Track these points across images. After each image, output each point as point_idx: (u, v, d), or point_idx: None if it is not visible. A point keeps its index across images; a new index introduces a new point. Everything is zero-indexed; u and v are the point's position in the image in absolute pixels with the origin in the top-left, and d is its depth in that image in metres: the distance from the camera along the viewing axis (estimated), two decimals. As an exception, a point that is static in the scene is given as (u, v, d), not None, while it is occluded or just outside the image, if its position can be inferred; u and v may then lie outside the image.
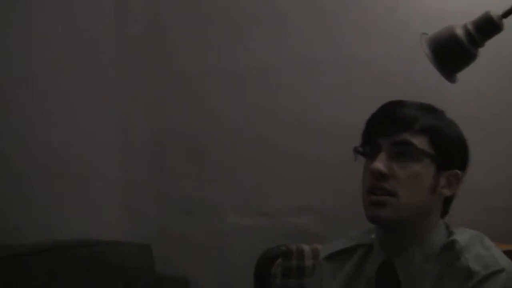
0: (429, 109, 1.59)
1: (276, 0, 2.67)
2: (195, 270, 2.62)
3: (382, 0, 2.60)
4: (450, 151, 1.57)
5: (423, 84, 2.34)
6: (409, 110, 1.56)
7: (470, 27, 1.78)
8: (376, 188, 1.53)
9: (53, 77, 2.68)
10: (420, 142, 1.54)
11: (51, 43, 2.68)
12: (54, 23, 2.68)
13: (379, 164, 1.52)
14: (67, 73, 2.68)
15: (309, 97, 2.65)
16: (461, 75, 1.83)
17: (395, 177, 1.52)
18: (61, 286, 2.40)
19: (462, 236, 1.55)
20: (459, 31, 1.74)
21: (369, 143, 1.58)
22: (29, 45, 2.65)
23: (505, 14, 1.77)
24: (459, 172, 1.58)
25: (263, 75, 2.67)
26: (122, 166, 2.72)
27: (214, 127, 2.70)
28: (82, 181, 2.68)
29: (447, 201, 1.60)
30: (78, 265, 2.44)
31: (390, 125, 1.55)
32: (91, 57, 2.70)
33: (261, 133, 2.67)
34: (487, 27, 1.77)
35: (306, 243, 2.14)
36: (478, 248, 1.52)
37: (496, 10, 1.78)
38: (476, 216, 2.28)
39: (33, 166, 2.65)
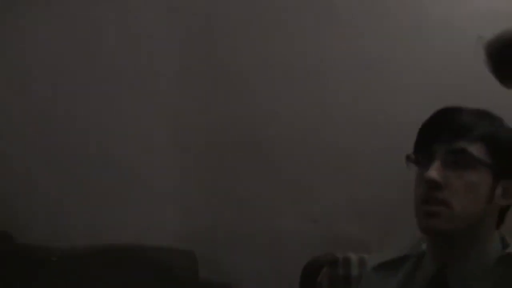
0: (486, 116, 1.53)
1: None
2: (240, 275, 2.60)
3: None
4: (508, 160, 1.50)
5: (484, 89, 2.28)
6: (465, 116, 1.51)
7: None
8: (429, 197, 1.47)
9: (106, 79, 2.69)
10: (476, 150, 1.48)
11: (104, 42, 2.69)
12: (109, 21, 2.70)
13: (434, 173, 1.46)
14: (120, 75, 2.70)
15: (367, 96, 2.61)
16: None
17: (450, 187, 1.46)
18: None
19: None
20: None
21: (423, 150, 1.52)
22: (85, 43, 2.67)
23: None
24: None
25: (321, 73, 2.65)
26: (174, 168, 2.71)
27: (269, 129, 2.67)
28: (133, 183, 2.68)
29: (503, 211, 1.54)
30: (124, 270, 2.45)
31: (446, 132, 1.49)
32: (146, 56, 2.71)
33: (318, 134, 2.63)
34: None
35: (353, 252, 2.10)
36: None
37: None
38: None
39: (86, 168, 2.66)
